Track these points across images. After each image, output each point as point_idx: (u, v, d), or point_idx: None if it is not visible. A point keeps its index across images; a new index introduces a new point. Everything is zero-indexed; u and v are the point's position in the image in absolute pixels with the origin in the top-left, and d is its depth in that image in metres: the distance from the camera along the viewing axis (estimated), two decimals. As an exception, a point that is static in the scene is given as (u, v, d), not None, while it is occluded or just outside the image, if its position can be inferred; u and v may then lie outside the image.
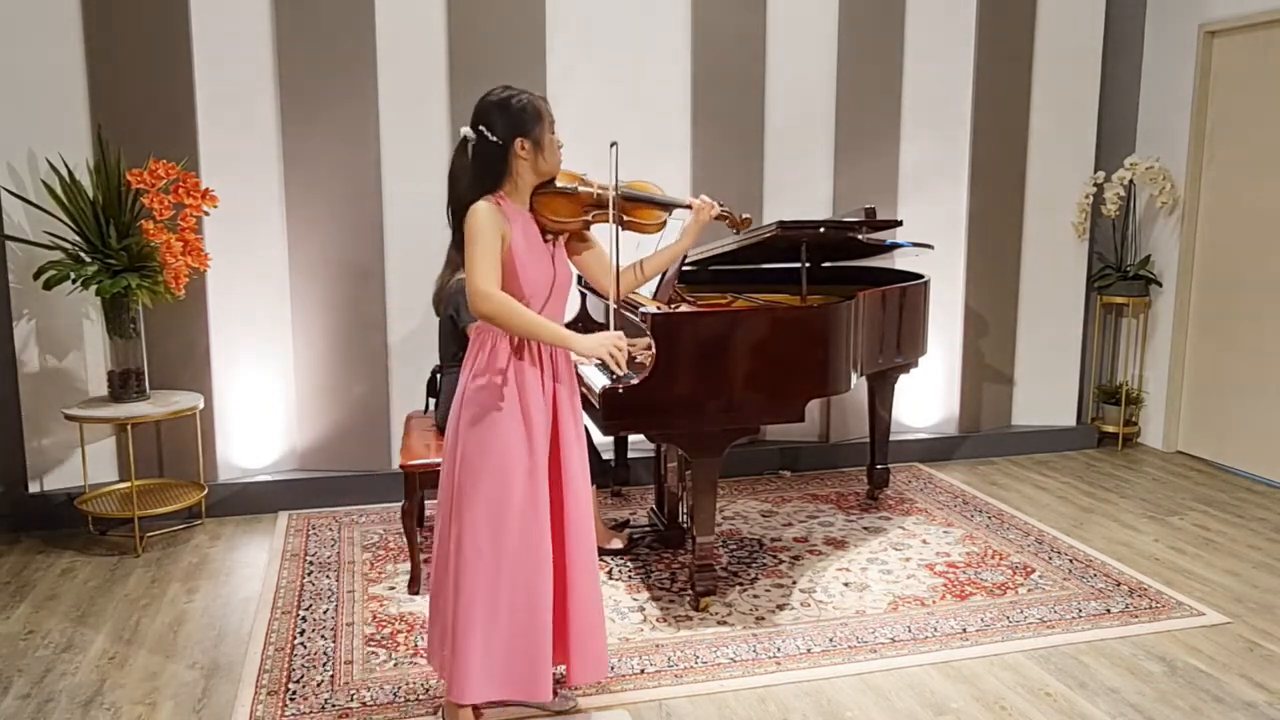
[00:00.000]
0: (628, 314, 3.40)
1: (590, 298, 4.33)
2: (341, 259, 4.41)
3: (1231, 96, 4.99)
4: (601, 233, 2.62)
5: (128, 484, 4.16)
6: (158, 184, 3.81)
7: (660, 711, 2.76)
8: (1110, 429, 5.51)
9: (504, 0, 4.42)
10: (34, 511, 4.17)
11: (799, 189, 4.93)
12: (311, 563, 3.82)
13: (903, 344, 4.14)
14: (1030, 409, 5.48)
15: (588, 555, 2.59)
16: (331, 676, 2.94)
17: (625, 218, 2.63)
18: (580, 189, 2.56)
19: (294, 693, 2.84)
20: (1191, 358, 5.29)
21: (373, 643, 3.15)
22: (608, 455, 4.62)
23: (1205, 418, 5.22)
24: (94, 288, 3.80)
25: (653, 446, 4.35)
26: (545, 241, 2.53)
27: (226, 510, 4.35)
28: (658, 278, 3.54)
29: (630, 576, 3.66)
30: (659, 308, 3.28)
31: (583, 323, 4.29)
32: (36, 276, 3.83)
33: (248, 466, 4.49)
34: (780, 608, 3.41)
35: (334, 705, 2.77)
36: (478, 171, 2.45)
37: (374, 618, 3.33)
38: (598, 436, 3.67)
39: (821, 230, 3.56)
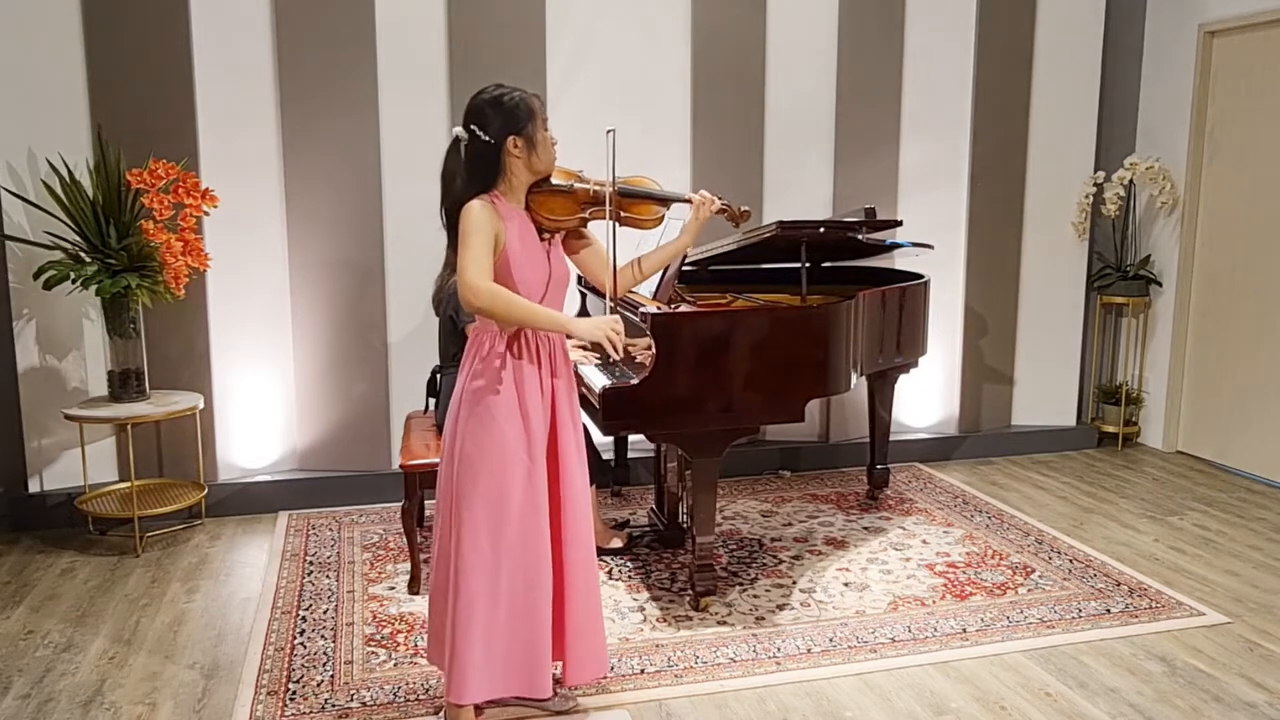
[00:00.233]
0: (628, 314, 3.40)
1: (590, 297, 4.33)
2: (341, 259, 4.41)
3: (1231, 96, 4.99)
4: (601, 230, 2.61)
5: (128, 484, 4.16)
6: (158, 184, 3.81)
7: (660, 711, 2.76)
8: (1110, 429, 5.51)
9: (504, 0, 4.42)
10: (34, 511, 4.17)
11: (799, 189, 4.93)
12: (311, 563, 3.82)
13: (903, 344, 4.14)
14: (1030, 409, 5.48)
15: (586, 554, 2.59)
16: (331, 676, 2.94)
17: (623, 214, 2.61)
18: (576, 186, 2.54)
19: (294, 693, 2.84)
20: (1191, 358, 5.29)
21: (373, 643, 3.15)
22: (608, 455, 4.62)
23: (1205, 418, 5.22)
24: (94, 288, 3.80)
25: (653, 446, 4.35)
26: (542, 240, 2.53)
27: (226, 510, 4.35)
28: (657, 277, 3.54)
29: (630, 576, 3.66)
30: (659, 308, 3.28)
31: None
32: (36, 276, 3.83)
33: (248, 466, 4.49)
34: (780, 608, 3.41)
35: (334, 705, 2.77)
36: (471, 171, 2.44)
37: (374, 618, 3.33)
38: (598, 436, 3.67)
39: (821, 230, 3.56)
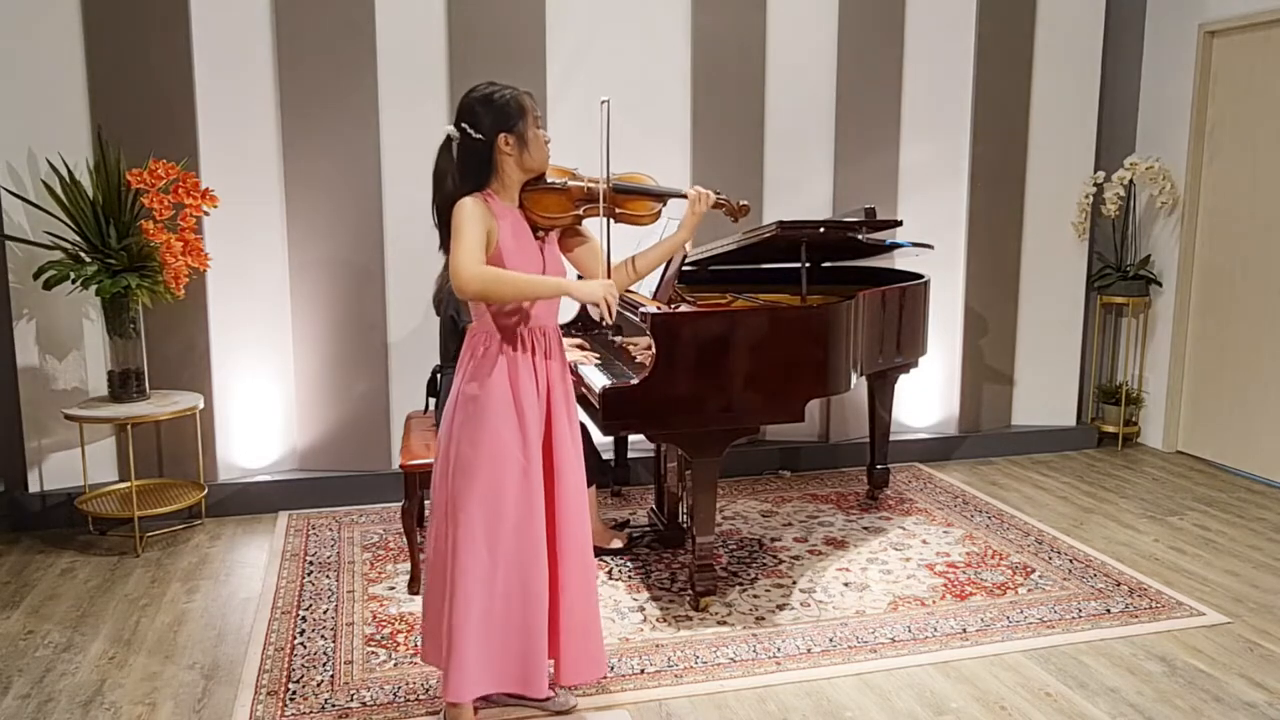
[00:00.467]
0: (628, 314, 3.40)
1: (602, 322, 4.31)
2: (341, 259, 4.41)
3: (1231, 96, 4.99)
4: (597, 228, 2.61)
5: (128, 484, 4.16)
6: (158, 184, 3.81)
7: (660, 711, 2.76)
8: (1110, 429, 5.51)
9: (504, 0, 4.42)
10: (34, 511, 4.17)
11: (799, 189, 4.93)
12: (311, 563, 3.82)
13: (903, 344, 4.14)
14: (1030, 409, 5.48)
15: (582, 554, 2.58)
16: (331, 677, 2.94)
17: (618, 210, 2.60)
18: (570, 184, 2.53)
19: (294, 693, 2.84)
20: (1191, 358, 5.29)
21: (373, 643, 3.15)
22: (608, 455, 4.62)
23: (1205, 418, 5.22)
24: (94, 288, 3.80)
25: (653, 446, 4.35)
26: (537, 238, 2.52)
27: (226, 510, 4.35)
28: (658, 276, 3.54)
29: (630, 576, 3.66)
30: (659, 307, 3.28)
31: (581, 322, 4.29)
32: (36, 276, 3.83)
33: (248, 466, 4.49)
34: (780, 608, 3.41)
35: (334, 705, 2.77)
36: (463, 170, 2.43)
37: (374, 618, 3.33)
38: (598, 436, 3.67)
39: (821, 230, 3.56)
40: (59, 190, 3.90)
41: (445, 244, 2.46)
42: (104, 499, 4.11)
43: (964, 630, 3.24)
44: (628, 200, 2.61)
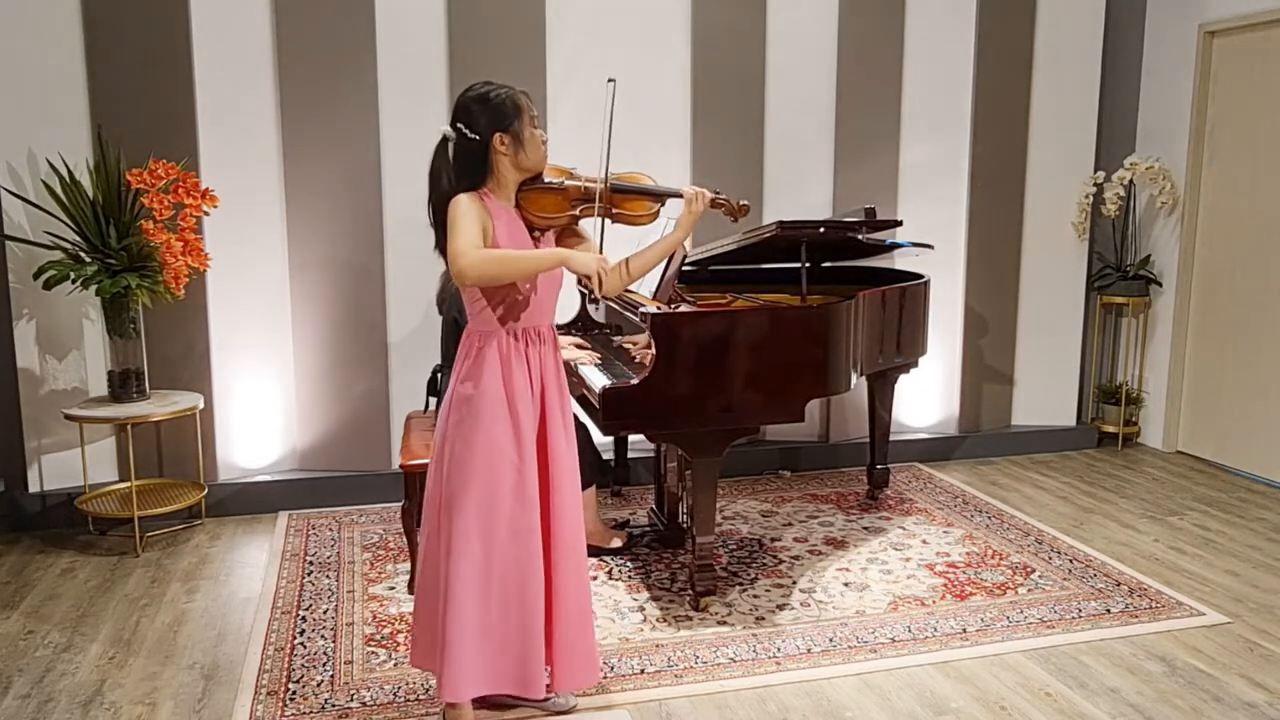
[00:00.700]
0: (627, 313, 3.40)
1: (590, 296, 4.32)
2: (341, 259, 4.41)
3: (1231, 96, 4.99)
4: (594, 228, 2.60)
5: (128, 484, 4.16)
6: (158, 184, 3.81)
7: (660, 711, 2.76)
8: (1110, 429, 5.51)
9: (504, 0, 4.42)
10: (34, 511, 4.17)
11: (799, 189, 4.93)
12: (311, 563, 3.82)
13: (903, 344, 4.14)
14: (1030, 409, 5.48)
15: (576, 555, 2.58)
16: (331, 677, 2.94)
17: (614, 210, 2.58)
18: (567, 183, 2.51)
19: (294, 693, 2.84)
20: (1191, 358, 5.29)
21: (373, 643, 3.15)
22: (608, 455, 4.62)
23: (1205, 418, 5.22)
24: (94, 288, 3.80)
25: (653, 446, 4.35)
26: (533, 238, 2.51)
27: (226, 510, 4.35)
28: (658, 276, 3.54)
29: (630, 576, 3.66)
30: (659, 307, 3.28)
31: (581, 322, 4.29)
32: (36, 276, 3.83)
33: (248, 466, 4.49)
34: (780, 608, 3.41)
35: (334, 705, 2.77)
36: (459, 170, 2.43)
37: (374, 618, 3.33)
38: (598, 436, 3.67)
39: (821, 230, 3.56)
40: (59, 190, 3.90)
41: (441, 244, 2.45)
42: (104, 499, 4.11)
43: (964, 630, 3.24)
44: (625, 200, 2.59)
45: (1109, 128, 5.37)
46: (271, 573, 3.72)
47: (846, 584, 3.62)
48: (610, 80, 2.47)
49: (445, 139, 2.45)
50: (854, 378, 3.58)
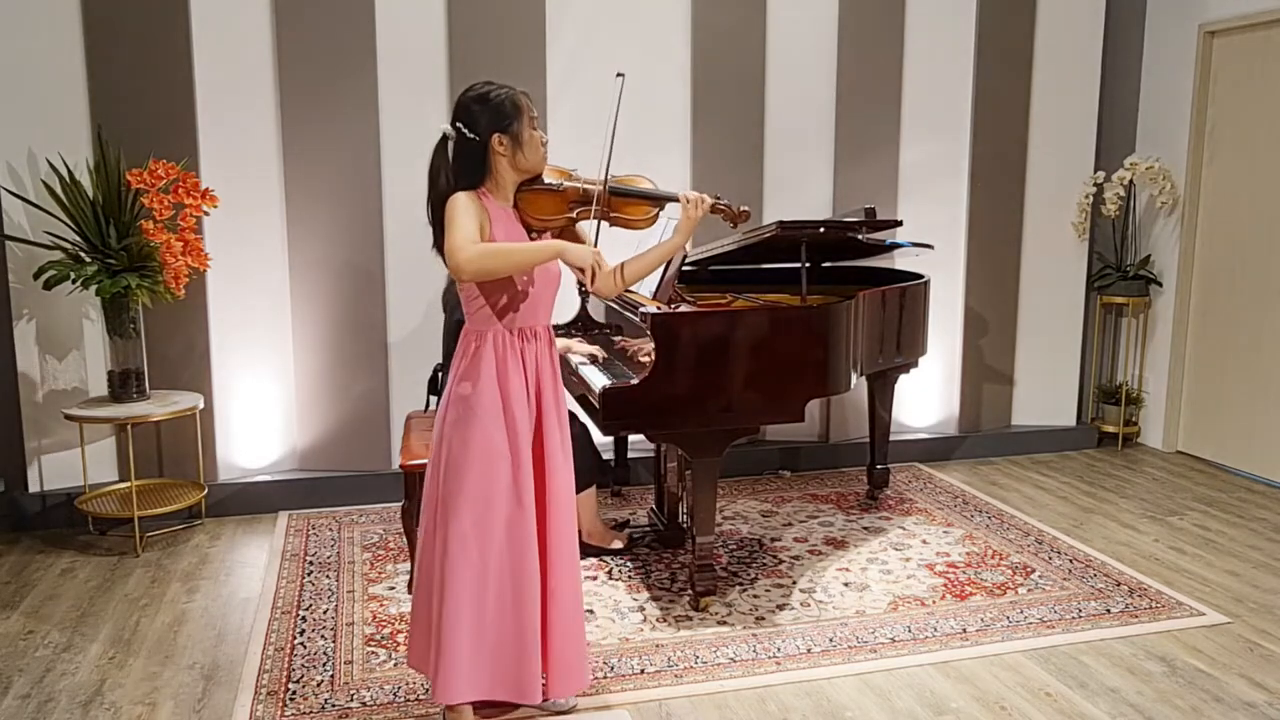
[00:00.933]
0: (628, 314, 3.40)
1: (591, 297, 4.32)
2: (341, 259, 4.41)
3: (1231, 96, 4.99)
4: (592, 227, 2.59)
5: (128, 484, 4.16)
6: (158, 184, 3.81)
7: (660, 711, 2.76)
8: (1110, 429, 5.51)
9: (504, 0, 4.42)
10: (34, 511, 4.17)
11: (799, 189, 4.93)
12: (311, 563, 3.82)
13: (903, 344, 4.14)
14: (1030, 409, 5.48)
15: (570, 558, 2.57)
16: (331, 677, 2.93)
17: (612, 213, 2.57)
18: (566, 185, 2.50)
19: (294, 693, 2.84)
20: (1191, 358, 5.29)
21: (373, 643, 3.15)
22: (608, 455, 4.62)
23: (1205, 418, 5.22)
24: (94, 288, 3.80)
25: (653, 446, 4.35)
26: (531, 239, 2.50)
27: (226, 510, 4.35)
28: (658, 276, 3.54)
29: (630, 576, 3.66)
30: (659, 307, 3.28)
31: (582, 322, 4.28)
32: (36, 276, 3.83)
33: (248, 466, 4.49)
34: (780, 608, 3.41)
35: (334, 705, 2.77)
36: (458, 169, 2.42)
37: (374, 618, 3.33)
38: (598, 436, 3.67)
39: (821, 230, 3.56)
40: (59, 190, 3.90)
41: (439, 242, 2.45)
42: (104, 499, 4.11)
43: (964, 630, 3.24)
44: (624, 204, 2.57)
45: (1109, 128, 5.38)
46: (271, 573, 3.72)
47: (846, 584, 3.62)
48: (619, 75, 2.46)
49: (445, 138, 2.45)
50: (854, 378, 3.58)
